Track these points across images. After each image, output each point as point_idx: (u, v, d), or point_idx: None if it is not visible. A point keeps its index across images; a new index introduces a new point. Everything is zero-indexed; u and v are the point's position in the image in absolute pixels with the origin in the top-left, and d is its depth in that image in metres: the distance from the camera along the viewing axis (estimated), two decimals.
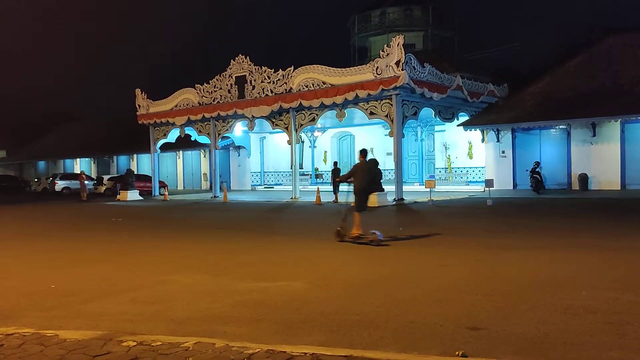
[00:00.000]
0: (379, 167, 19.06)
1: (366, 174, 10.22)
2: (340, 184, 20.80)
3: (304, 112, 22.60)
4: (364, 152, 10.60)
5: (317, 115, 22.30)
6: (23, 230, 14.35)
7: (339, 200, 20.29)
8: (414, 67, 19.60)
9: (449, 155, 27.33)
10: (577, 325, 4.66)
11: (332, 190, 21.11)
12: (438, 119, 23.44)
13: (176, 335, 4.60)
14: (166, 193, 27.56)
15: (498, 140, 24.31)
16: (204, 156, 35.79)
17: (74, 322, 5.17)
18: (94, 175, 40.78)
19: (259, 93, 23.57)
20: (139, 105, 29.56)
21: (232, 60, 24.70)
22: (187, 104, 27.08)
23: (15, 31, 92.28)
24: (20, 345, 4.35)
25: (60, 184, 36.18)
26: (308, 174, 32.04)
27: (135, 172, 32.09)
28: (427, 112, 22.33)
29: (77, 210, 21.51)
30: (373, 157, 20.68)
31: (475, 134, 25.32)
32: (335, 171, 21.31)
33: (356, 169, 10.29)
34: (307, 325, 4.87)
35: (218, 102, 25.44)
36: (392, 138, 19.90)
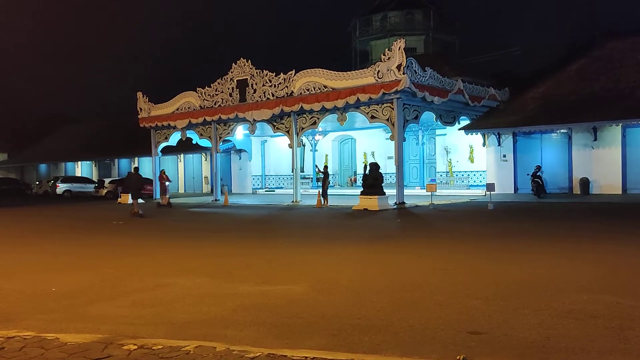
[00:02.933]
0: (380, 170, 19.29)
1: (139, 182, 18.30)
2: (329, 187, 21.47)
3: (305, 115, 22.62)
4: (136, 169, 18.62)
5: (318, 118, 22.32)
6: (25, 234, 14.35)
7: (328, 203, 20.52)
8: (415, 70, 19.59)
9: (450, 159, 27.31)
10: (579, 329, 4.65)
11: (331, 193, 21.16)
12: (439, 123, 23.41)
13: (177, 338, 4.59)
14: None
15: (499, 144, 24.31)
16: (205, 159, 35.82)
17: (75, 325, 5.17)
18: (94, 178, 40.80)
19: (260, 96, 23.59)
20: (141, 109, 29.55)
21: (233, 64, 24.70)
22: (189, 108, 27.10)
23: (15, 32, 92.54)
24: (21, 348, 4.35)
25: (61, 187, 36.17)
26: (309, 178, 32.05)
27: None
28: (428, 116, 22.32)
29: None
30: (374, 161, 20.84)
31: (477, 138, 25.32)
32: (325, 175, 21.59)
33: (128, 178, 18.13)
34: (307, 329, 4.87)
35: (219, 105, 25.45)
36: (393, 142, 19.90)
